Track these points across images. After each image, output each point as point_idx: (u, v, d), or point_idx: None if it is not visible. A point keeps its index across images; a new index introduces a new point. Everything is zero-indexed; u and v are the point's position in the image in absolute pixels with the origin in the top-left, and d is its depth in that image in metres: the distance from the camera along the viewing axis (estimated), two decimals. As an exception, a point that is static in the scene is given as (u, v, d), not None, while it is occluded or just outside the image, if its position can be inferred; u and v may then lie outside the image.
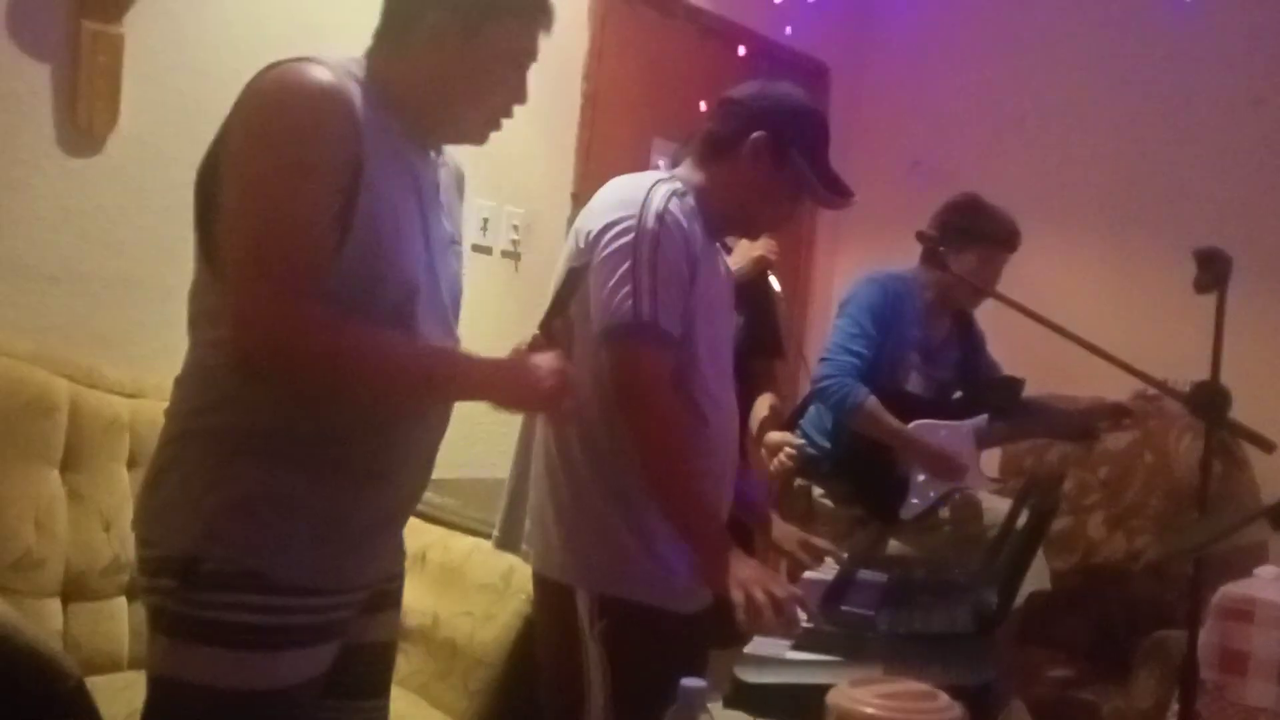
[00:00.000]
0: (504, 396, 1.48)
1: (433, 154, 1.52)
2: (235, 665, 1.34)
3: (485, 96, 1.47)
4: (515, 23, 1.45)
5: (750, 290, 2.82)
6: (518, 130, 3.18)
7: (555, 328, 1.53)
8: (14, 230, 2.32)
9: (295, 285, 1.26)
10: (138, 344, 2.50)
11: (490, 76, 1.45)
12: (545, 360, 1.49)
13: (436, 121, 1.47)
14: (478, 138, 1.51)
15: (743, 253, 2.65)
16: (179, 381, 1.44)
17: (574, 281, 1.63)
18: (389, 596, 1.59)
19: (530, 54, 1.49)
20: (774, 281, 2.67)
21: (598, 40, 3.46)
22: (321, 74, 1.32)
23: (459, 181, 1.63)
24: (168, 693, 1.36)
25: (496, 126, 1.51)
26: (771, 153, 1.83)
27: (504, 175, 3.23)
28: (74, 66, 2.36)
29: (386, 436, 1.42)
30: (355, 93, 1.34)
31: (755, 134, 1.82)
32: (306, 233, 1.28)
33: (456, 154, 1.63)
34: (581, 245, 1.77)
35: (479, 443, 3.26)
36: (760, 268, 2.66)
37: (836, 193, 1.87)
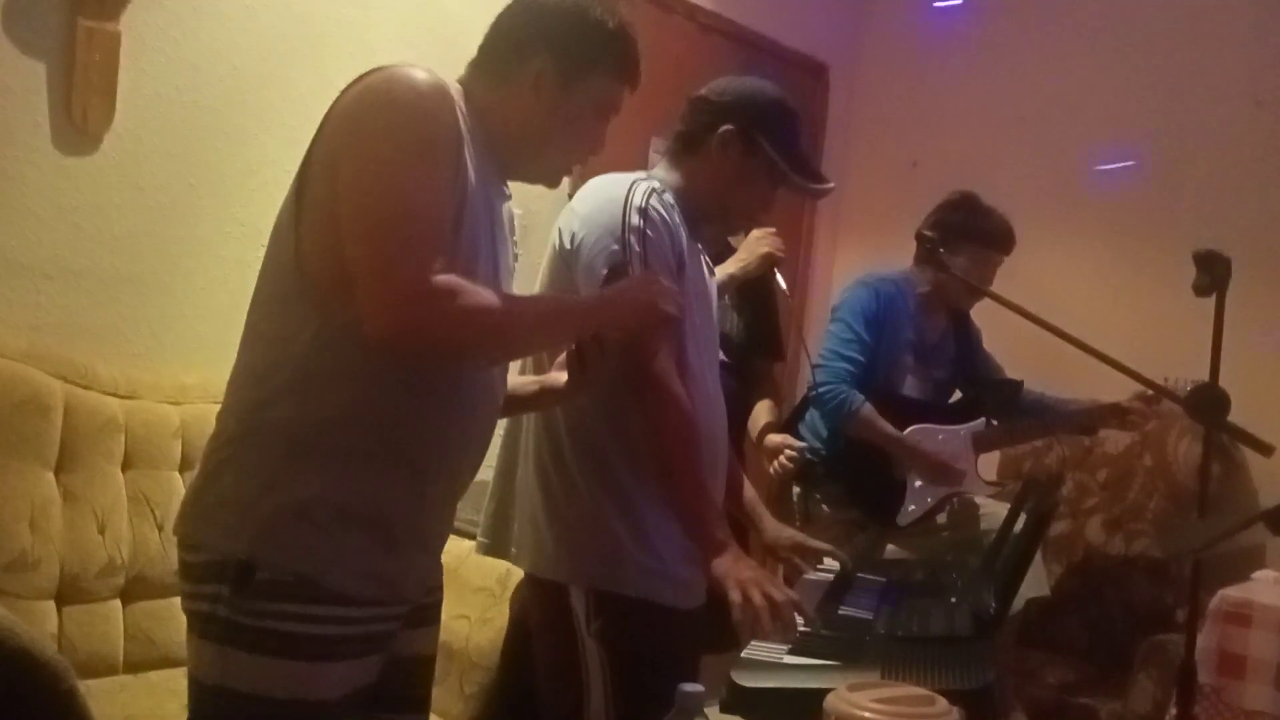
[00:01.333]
0: (627, 314, 1.57)
1: (506, 187, 1.56)
2: (286, 675, 1.32)
3: (570, 142, 1.54)
4: (610, 78, 1.54)
5: (754, 289, 2.81)
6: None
7: (585, 343, 1.57)
8: (8, 228, 2.31)
9: (433, 258, 1.28)
10: (132, 342, 2.49)
11: (578, 125, 1.53)
12: (649, 278, 1.59)
13: (521, 158, 1.52)
14: (552, 180, 1.60)
15: (749, 249, 2.63)
16: (232, 381, 1.43)
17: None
18: (430, 610, 1.58)
19: (616, 108, 1.57)
20: (780, 280, 2.65)
21: (596, 39, 3.45)
22: (429, 74, 1.36)
23: (511, 220, 1.65)
24: (216, 701, 1.34)
25: (569, 172, 1.61)
26: (740, 143, 1.87)
27: (502, 175, 3.22)
28: (70, 64, 2.35)
29: (442, 429, 1.42)
30: (458, 96, 1.40)
31: (723, 128, 1.87)
32: (436, 212, 1.31)
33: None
34: (568, 245, 1.78)
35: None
36: (767, 264, 2.65)
37: (808, 179, 1.90)
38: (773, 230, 2.63)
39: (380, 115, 1.33)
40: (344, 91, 1.38)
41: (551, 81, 1.48)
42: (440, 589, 1.61)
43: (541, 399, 1.73)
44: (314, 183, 1.35)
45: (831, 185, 1.95)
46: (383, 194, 1.29)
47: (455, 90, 1.41)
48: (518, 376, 1.74)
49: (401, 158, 1.31)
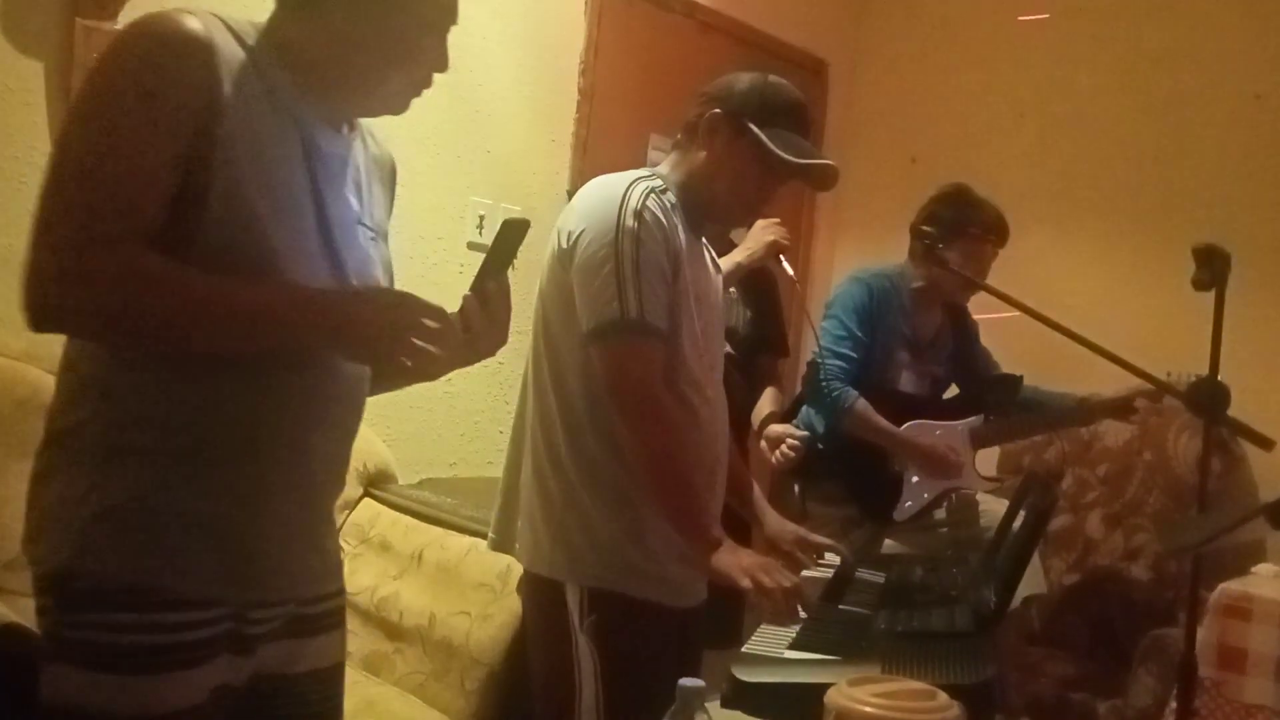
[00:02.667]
0: (354, 343, 1.29)
1: (345, 129, 1.40)
2: (117, 690, 1.23)
3: (404, 64, 1.35)
4: None
5: (759, 284, 2.81)
6: (513, 127, 3.22)
7: (489, 290, 1.38)
8: (8, 227, 2.31)
9: (92, 230, 1.17)
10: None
11: (408, 42, 1.34)
12: (409, 309, 1.27)
13: (350, 90, 1.36)
14: (398, 107, 1.40)
15: (755, 239, 2.62)
16: (56, 383, 1.34)
17: (513, 237, 1.47)
18: (315, 622, 1.44)
19: (450, 15, 1.38)
20: (787, 266, 2.64)
21: (594, 35, 3.45)
22: (183, 20, 1.23)
23: (385, 170, 1.52)
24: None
25: (416, 94, 1.40)
26: (727, 127, 1.85)
27: (500, 172, 3.22)
28: (68, 63, 2.35)
29: (272, 430, 1.31)
30: (225, 44, 1.25)
31: (709, 113, 1.86)
32: (115, 173, 1.18)
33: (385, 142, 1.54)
34: (564, 245, 1.79)
35: (474, 441, 3.27)
36: (773, 252, 2.64)
37: (801, 155, 1.85)
38: (777, 220, 2.61)
39: (101, 66, 1.23)
40: None
41: None
42: (331, 599, 1.48)
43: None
44: None
45: (829, 162, 1.89)
46: (61, 158, 1.20)
47: (231, 33, 1.28)
48: None
49: (94, 115, 1.20)
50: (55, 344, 2.27)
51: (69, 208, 1.19)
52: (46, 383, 2.17)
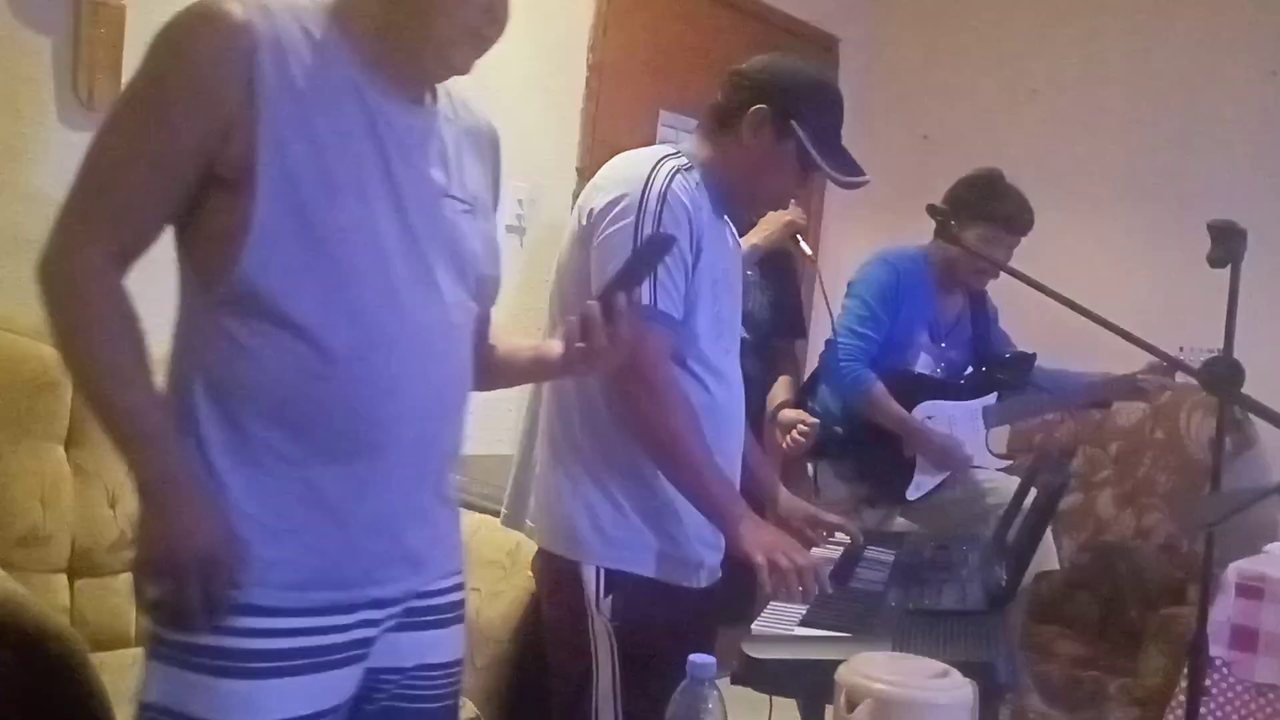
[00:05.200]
0: (153, 533, 1.21)
1: (428, 100, 1.35)
2: (223, 695, 1.21)
3: (454, 11, 1.27)
4: None
5: (776, 265, 2.80)
6: (522, 103, 3.20)
7: (617, 302, 1.32)
8: (15, 204, 2.30)
9: (89, 221, 1.21)
10: (141, 318, 2.48)
11: None
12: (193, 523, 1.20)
13: (406, 50, 1.29)
14: (461, 63, 1.32)
15: (771, 219, 2.61)
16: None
17: (655, 251, 1.49)
18: (430, 614, 1.40)
19: None
20: (804, 246, 2.62)
21: (603, 11, 3.42)
22: (220, 5, 1.21)
23: (482, 140, 1.46)
24: None
25: (478, 51, 1.32)
26: (772, 126, 1.80)
27: (508, 149, 3.13)
28: (75, 39, 2.34)
29: (386, 423, 1.27)
30: (266, 25, 1.21)
31: (755, 107, 1.80)
32: (126, 171, 1.20)
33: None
34: (585, 222, 1.77)
35: (484, 418, 3.25)
36: (790, 232, 2.62)
37: (842, 171, 1.83)
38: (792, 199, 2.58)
39: (144, 55, 1.24)
40: None
41: None
42: (452, 589, 1.45)
43: (537, 369, 1.56)
44: None
45: (867, 178, 1.86)
46: (91, 152, 1.23)
47: (290, 11, 1.24)
48: (512, 339, 1.56)
49: (124, 111, 1.23)
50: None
51: (73, 205, 1.23)
52: (55, 360, 2.16)
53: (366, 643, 1.32)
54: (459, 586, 1.46)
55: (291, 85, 1.22)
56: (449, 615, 1.44)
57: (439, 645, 1.42)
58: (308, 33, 1.25)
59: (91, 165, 1.22)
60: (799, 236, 2.64)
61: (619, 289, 1.34)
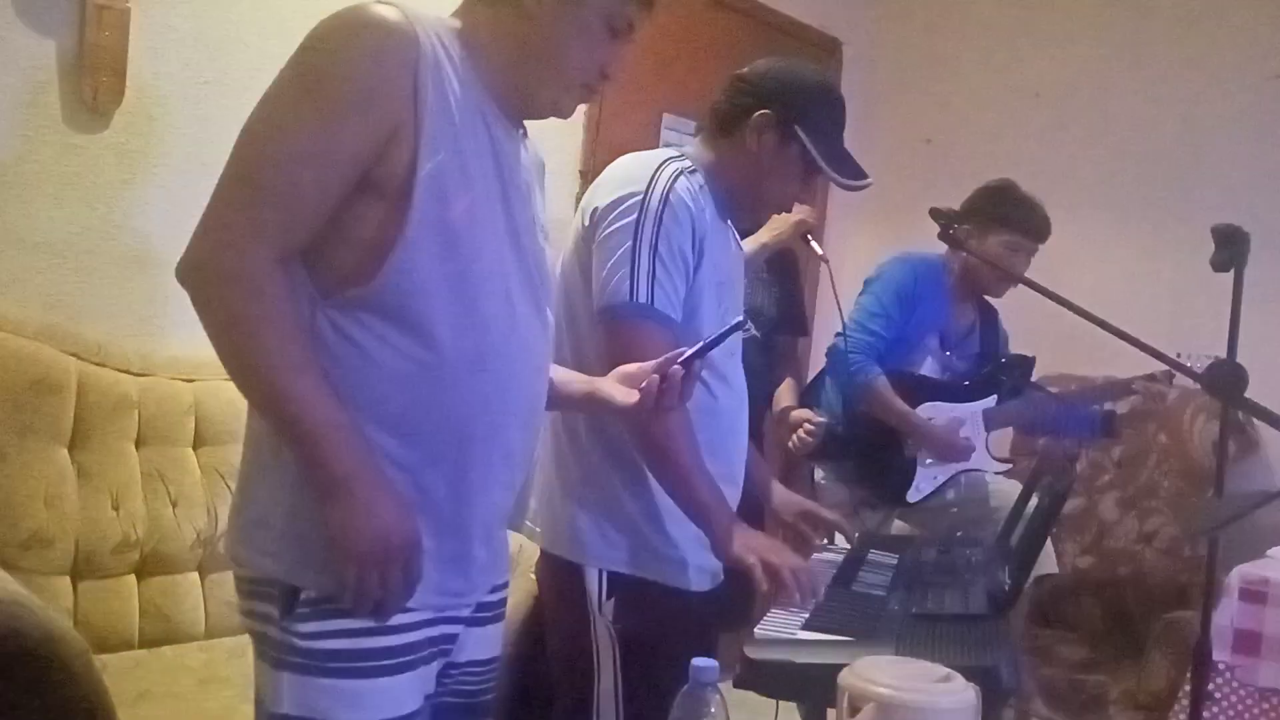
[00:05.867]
0: (343, 509, 1.22)
1: (521, 130, 1.44)
2: (352, 698, 1.25)
3: (578, 60, 1.36)
4: None
5: (781, 264, 2.79)
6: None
7: (695, 369, 1.48)
8: (19, 206, 2.31)
9: (255, 231, 1.19)
10: (145, 320, 2.49)
11: (587, 39, 1.36)
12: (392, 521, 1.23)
13: (524, 85, 1.36)
14: (566, 109, 1.41)
15: (781, 218, 2.57)
16: None
17: (732, 333, 1.56)
18: (486, 610, 1.46)
19: (628, 22, 1.39)
20: (815, 245, 2.59)
21: (607, 15, 3.42)
22: (382, 10, 1.23)
23: (539, 171, 1.54)
24: None
25: (585, 98, 1.42)
26: (775, 130, 1.81)
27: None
28: (80, 41, 2.34)
29: (482, 428, 1.31)
30: (425, 38, 1.25)
31: (759, 112, 1.80)
32: (297, 171, 1.20)
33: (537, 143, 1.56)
34: (587, 223, 1.77)
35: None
36: (800, 231, 2.60)
37: (845, 174, 1.83)
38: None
39: (301, 53, 1.23)
40: None
41: None
42: (504, 587, 1.51)
43: (587, 404, 1.62)
44: None
45: (869, 181, 1.86)
46: (258, 136, 1.22)
47: (434, 28, 1.28)
48: (560, 370, 1.62)
49: (294, 101, 1.21)
50: (69, 323, 2.29)
51: (252, 205, 1.20)
52: (61, 362, 2.18)
53: (451, 638, 1.39)
54: (506, 584, 1.52)
55: (444, 99, 1.26)
56: (498, 612, 1.51)
57: (486, 641, 1.48)
58: (448, 50, 1.29)
59: (254, 162, 1.21)
60: (810, 236, 2.61)
61: (702, 355, 1.48)
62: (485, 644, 1.48)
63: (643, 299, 1.68)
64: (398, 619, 1.28)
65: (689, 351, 1.49)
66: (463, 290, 1.27)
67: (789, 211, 2.39)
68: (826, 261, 2.39)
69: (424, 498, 1.29)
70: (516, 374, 1.35)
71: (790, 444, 2.80)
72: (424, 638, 1.33)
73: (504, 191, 1.35)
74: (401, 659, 1.30)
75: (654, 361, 1.51)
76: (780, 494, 2.09)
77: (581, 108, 3.38)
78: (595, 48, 1.37)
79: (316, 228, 1.23)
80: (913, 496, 2.87)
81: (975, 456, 2.91)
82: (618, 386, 1.55)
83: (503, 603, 1.52)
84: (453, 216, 1.25)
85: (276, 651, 1.27)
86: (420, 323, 1.25)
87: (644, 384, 1.48)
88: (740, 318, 1.57)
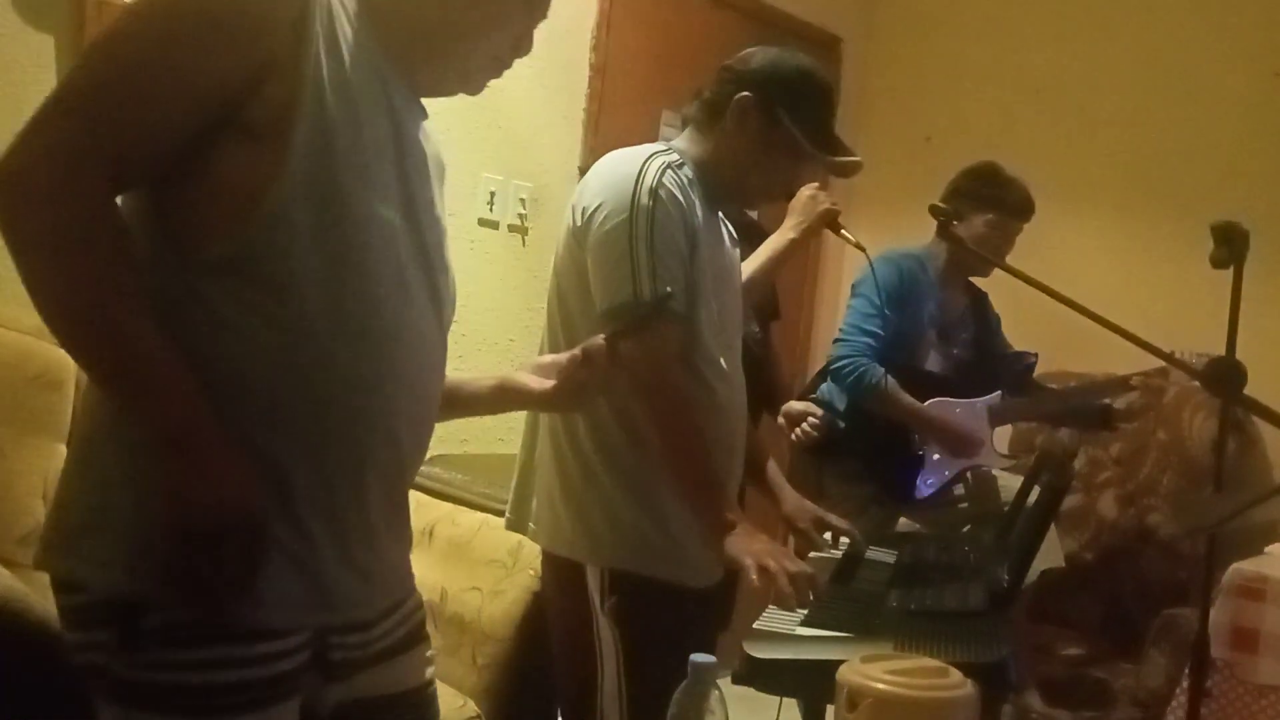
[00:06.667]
0: (190, 498, 1.03)
1: (421, 110, 1.32)
2: None
3: (488, 34, 1.26)
4: None
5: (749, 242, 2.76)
6: (525, 103, 3.20)
7: (622, 349, 1.40)
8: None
9: (97, 134, 1.04)
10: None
11: (498, 11, 1.26)
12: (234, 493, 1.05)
13: (435, 58, 1.26)
14: (475, 86, 1.31)
15: (805, 210, 2.38)
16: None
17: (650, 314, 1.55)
18: (399, 637, 1.32)
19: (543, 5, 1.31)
20: (847, 234, 2.47)
21: (606, 11, 3.42)
22: None
23: (438, 167, 1.37)
24: None
25: (495, 74, 1.31)
26: (758, 114, 1.80)
27: (511, 149, 3.20)
28: (79, 37, 2.34)
29: (349, 396, 1.15)
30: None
31: (739, 95, 1.80)
32: (149, 95, 1.05)
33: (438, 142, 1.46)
34: (579, 222, 1.77)
35: (486, 418, 3.26)
36: (828, 221, 2.47)
37: (832, 154, 1.82)
38: (817, 185, 2.41)
39: None
40: None
41: None
42: (416, 609, 1.37)
43: (499, 398, 1.50)
44: None
45: (858, 159, 1.84)
46: (96, 45, 1.09)
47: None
48: (462, 373, 1.48)
49: (145, 15, 1.08)
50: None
51: (90, 114, 1.05)
52: (58, 358, 2.18)
53: (339, 667, 1.23)
54: (415, 606, 1.38)
55: (335, 43, 1.15)
56: (408, 639, 1.35)
57: (406, 670, 1.34)
58: (345, 7, 1.19)
59: (98, 70, 1.07)
60: (840, 225, 2.49)
61: (624, 333, 1.43)
62: (411, 671, 1.34)
63: (647, 294, 1.68)
64: (262, 647, 1.11)
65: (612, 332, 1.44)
66: (344, 253, 1.13)
67: (780, 199, 2.33)
68: (863, 249, 2.29)
69: (289, 491, 1.12)
70: (404, 353, 1.19)
71: (793, 436, 2.80)
72: (295, 666, 1.15)
73: (399, 158, 1.22)
74: (262, 694, 1.12)
75: (570, 352, 1.46)
76: (791, 499, 2.09)
77: (581, 104, 3.42)
78: (508, 23, 1.27)
79: (162, 159, 1.08)
80: (921, 493, 2.87)
81: (982, 452, 2.92)
82: (530, 375, 1.47)
83: (421, 624, 1.36)
84: (338, 167, 1.12)
85: (117, 688, 1.09)
86: (291, 283, 1.10)
87: (565, 363, 1.40)
88: (668, 289, 1.52)
